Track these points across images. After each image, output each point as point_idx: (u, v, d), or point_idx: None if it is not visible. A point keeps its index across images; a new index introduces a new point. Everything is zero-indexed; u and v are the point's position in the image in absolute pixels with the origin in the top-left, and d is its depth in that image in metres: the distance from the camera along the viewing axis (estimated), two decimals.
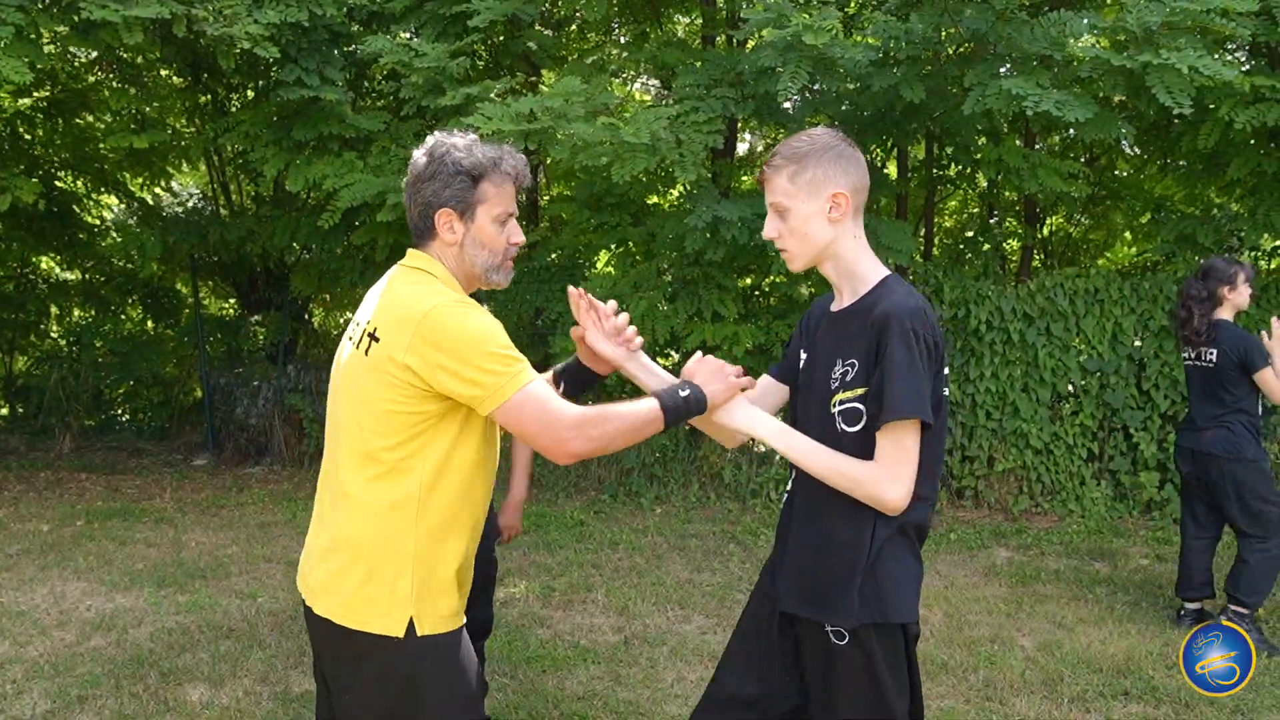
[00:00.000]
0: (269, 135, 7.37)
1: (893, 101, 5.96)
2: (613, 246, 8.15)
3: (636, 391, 2.29)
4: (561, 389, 2.29)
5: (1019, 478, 7.09)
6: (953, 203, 10.02)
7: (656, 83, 9.76)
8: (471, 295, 2.15)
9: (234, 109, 8.86)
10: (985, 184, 8.21)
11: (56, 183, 9.84)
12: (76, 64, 8.91)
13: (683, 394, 2.08)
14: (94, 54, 8.31)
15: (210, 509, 7.19)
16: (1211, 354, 4.69)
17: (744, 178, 9.75)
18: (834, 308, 2.18)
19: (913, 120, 6.51)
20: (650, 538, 6.38)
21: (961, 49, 5.80)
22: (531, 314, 8.29)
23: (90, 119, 9.44)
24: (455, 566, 2.07)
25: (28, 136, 9.33)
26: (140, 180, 10.36)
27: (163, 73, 9.09)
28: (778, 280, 7.65)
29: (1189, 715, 3.82)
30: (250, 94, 8.91)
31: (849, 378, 2.05)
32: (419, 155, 2.10)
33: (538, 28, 8.23)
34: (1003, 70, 5.55)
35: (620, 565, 5.78)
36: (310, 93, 6.76)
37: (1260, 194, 7.02)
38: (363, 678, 2.02)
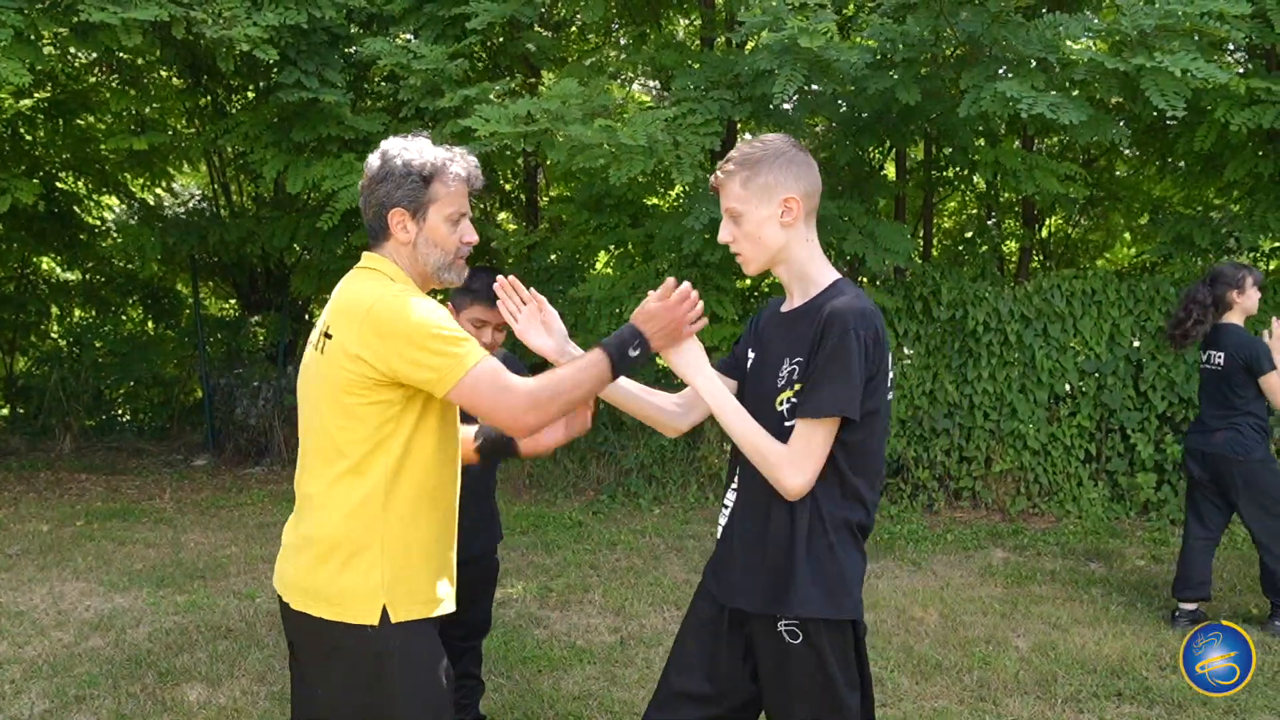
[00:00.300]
0: (268, 137, 7.39)
1: (889, 104, 5.98)
2: (611, 247, 8.17)
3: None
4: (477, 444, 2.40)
5: (1016, 478, 7.10)
6: (951, 204, 10.04)
7: (657, 84, 9.77)
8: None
9: (234, 110, 8.87)
10: (983, 186, 8.23)
11: (57, 183, 9.86)
12: (77, 65, 8.92)
13: (632, 352, 2.11)
14: (94, 55, 8.32)
15: (210, 509, 7.22)
16: (1219, 357, 4.73)
17: None
18: (784, 308, 2.24)
19: (910, 122, 6.53)
20: (648, 538, 6.40)
21: (958, 51, 5.81)
22: None
23: (91, 120, 9.45)
24: (427, 552, 2.12)
25: (29, 137, 9.34)
26: (141, 181, 10.38)
27: (163, 74, 9.11)
28: (775, 282, 7.66)
29: (1182, 716, 3.84)
30: (250, 95, 8.93)
31: (795, 376, 2.11)
32: (373, 158, 2.16)
33: (537, 29, 8.25)
34: (1000, 72, 5.56)
35: (618, 566, 5.80)
36: (309, 94, 6.78)
37: (1257, 195, 7.04)
38: (337, 669, 2.07)
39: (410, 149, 2.12)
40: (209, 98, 9.15)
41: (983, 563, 5.90)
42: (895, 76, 5.70)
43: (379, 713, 2.05)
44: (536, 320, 2.32)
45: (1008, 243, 9.32)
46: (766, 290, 8.15)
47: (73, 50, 8.07)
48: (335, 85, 6.99)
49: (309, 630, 2.08)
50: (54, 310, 10.93)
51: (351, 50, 7.47)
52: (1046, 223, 9.40)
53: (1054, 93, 5.43)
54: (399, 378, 2.00)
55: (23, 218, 9.21)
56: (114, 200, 10.84)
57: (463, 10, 6.50)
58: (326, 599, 2.05)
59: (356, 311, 2.02)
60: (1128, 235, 9.76)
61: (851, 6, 6.73)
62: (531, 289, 2.36)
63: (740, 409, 2.13)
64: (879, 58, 5.77)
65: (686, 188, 6.73)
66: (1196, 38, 5.28)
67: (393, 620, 2.03)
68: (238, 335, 10.33)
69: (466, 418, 2.35)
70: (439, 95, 6.36)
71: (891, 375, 2.17)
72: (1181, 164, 7.80)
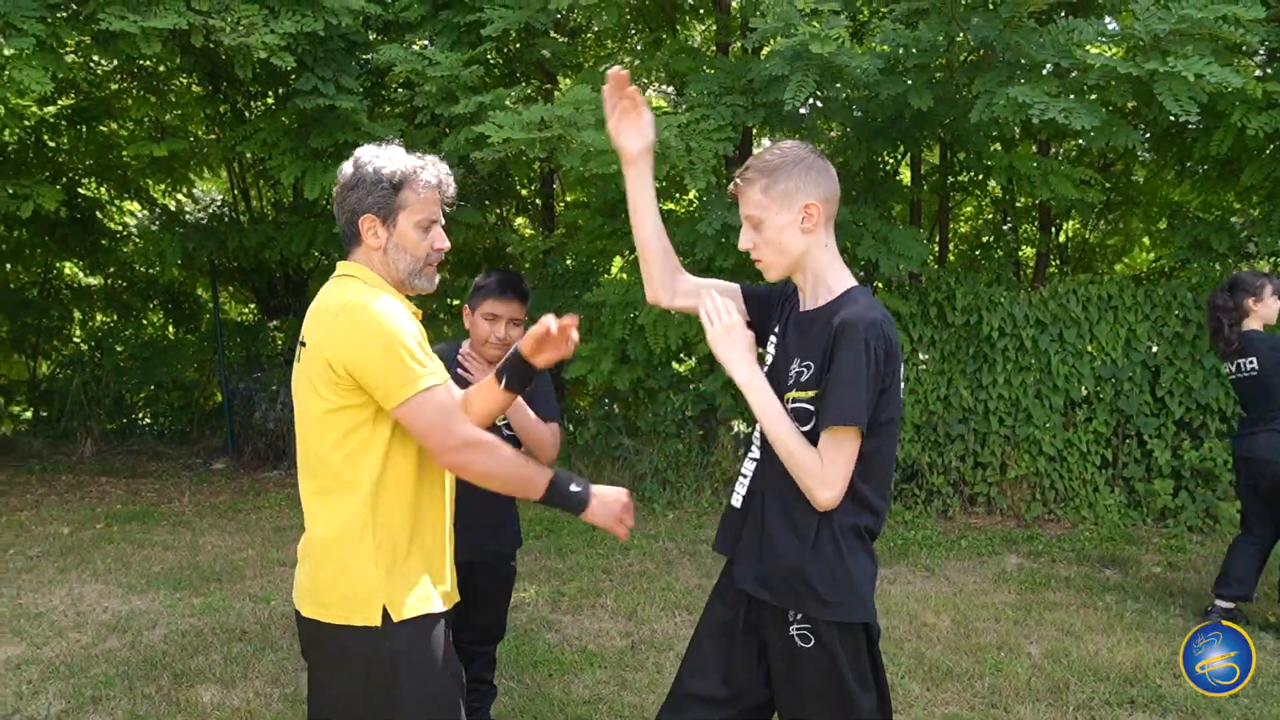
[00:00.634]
0: (286, 143, 7.46)
1: (901, 109, 5.97)
2: (626, 253, 8.19)
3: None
4: (503, 383, 2.34)
5: (1032, 484, 7.07)
6: (968, 209, 10.01)
7: (673, 89, 9.80)
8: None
9: (253, 117, 8.97)
10: (998, 191, 8.20)
11: (80, 190, 9.99)
12: (99, 73, 9.03)
13: (574, 488, 2.17)
14: (115, 63, 8.43)
15: (227, 512, 7.28)
16: (1251, 363, 4.72)
17: None
18: (801, 308, 2.25)
19: (923, 127, 6.52)
20: (661, 543, 6.41)
21: (971, 56, 5.80)
22: None
23: (114, 126, 9.58)
24: (421, 549, 2.15)
25: (52, 144, 9.47)
26: (162, 187, 10.51)
27: (183, 81, 9.21)
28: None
29: None
30: (269, 102, 9.02)
31: (804, 378, 2.13)
32: (346, 166, 2.19)
33: (552, 35, 8.29)
34: (1013, 77, 5.55)
35: (630, 570, 5.81)
36: (326, 101, 6.84)
37: (1276, 199, 6.98)
38: (346, 673, 2.09)
39: (382, 156, 2.15)
40: (228, 104, 9.25)
41: (996, 569, 5.87)
42: (907, 82, 5.69)
43: (390, 712, 2.08)
44: (631, 118, 2.27)
45: (1024, 248, 9.27)
46: None
47: (95, 58, 8.17)
48: (352, 92, 7.05)
49: (318, 636, 2.12)
50: (76, 315, 11.07)
51: (368, 57, 7.53)
52: (1064, 227, 9.36)
53: (1071, 96, 5.42)
54: (355, 378, 2.02)
55: (46, 223, 9.35)
56: (136, 206, 10.97)
57: (478, 17, 6.55)
58: (329, 604, 2.09)
59: (328, 314, 2.06)
60: (1146, 240, 9.69)
61: (866, 12, 6.72)
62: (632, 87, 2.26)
63: (782, 413, 2.12)
64: (891, 63, 5.76)
65: (700, 193, 6.74)
66: (1215, 42, 5.25)
67: (394, 619, 2.06)
68: (256, 340, 10.42)
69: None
70: (453, 101, 6.41)
71: (902, 384, 2.19)
72: (1205, 167, 7.74)
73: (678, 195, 8.19)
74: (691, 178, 5.84)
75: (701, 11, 8.68)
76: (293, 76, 7.13)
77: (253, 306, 11.64)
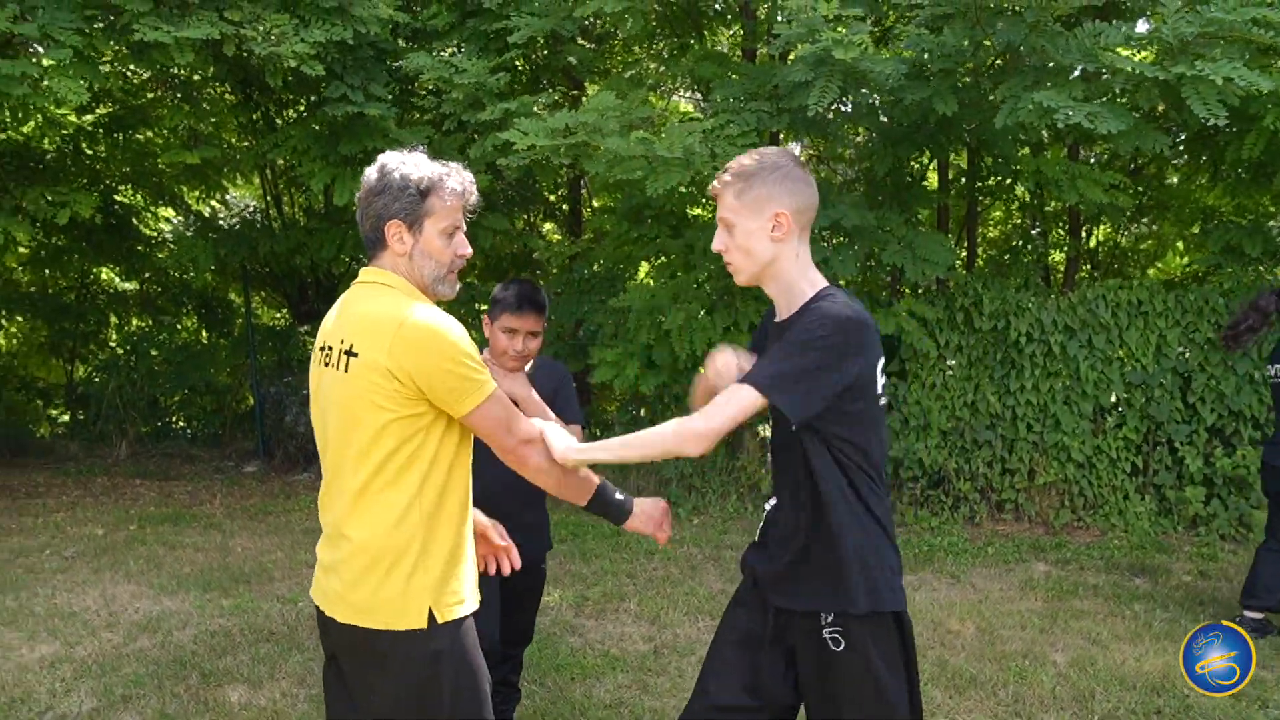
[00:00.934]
0: (317, 150, 7.56)
1: (926, 114, 5.95)
2: (652, 258, 8.21)
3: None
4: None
5: (1060, 491, 7.00)
6: (997, 213, 9.93)
7: (699, 95, 9.81)
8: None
9: (284, 124, 9.09)
10: (1026, 195, 8.13)
11: (117, 196, 10.18)
12: (134, 82, 9.20)
13: (619, 496, 2.36)
14: (150, 72, 8.58)
15: (258, 515, 7.38)
16: None
17: None
18: (777, 319, 2.27)
19: (948, 132, 6.49)
20: (686, 548, 6.42)
21: (998, 61, 5.78)
22: (573, 325, 8.37)
23: (150, 134, 9.75)
24: (461, 553, 2.19)
25: (89, 152, 9.65)
26: (196, 193, 10.67)
27: (216, 89, 9.36)
28: None
29: None
30: (301, 109, 9.15)
31: None
32: (370, 172, 2.21)
33: (580, 42, 8.34)
34: (1041, 80, 5.51)
35: (654, 575, 5.82)
36: (355, 108, 6.93)
37: None
38: (388, 676, 2.11)
39: (408, 163, 2.18)
40: (260, 112, 9.38)
41: (1023, 576, 5.83)
42: (932, 87, 5.67)
43: (434, 713, 2.11)
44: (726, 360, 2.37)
45: (1054, 253, 9.18)
46: None
47: (130, 68, 8.32)
48: (381, 99, 7.14)
49: (358, 642, 2.13)
50: (113, 319, 11.26)
51: (397, 65, 7.62)
52: (1095, 232, 9.26)
53: (1102, 99, 5.37)
54: (426, 392, 2.07)
55: (83, 230, 9.53)
56: (171, 212, 11.15)
57: (504, 24, 6.60)
58: (374, 609, 2.10)
59: (385, 328, 2.07)
60: (1180, 244, 9.57)
61: (892, 16, 6.71)
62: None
63: (624, 441, 2.19)
64: (915, 68, 5.74)
65: None
66: (1246, 45, 5.19)
67: (439, 621, 2.10)
68: (288, 344, 10.55)
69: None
70: (480, 108, 6.46)
71: (880, 373, 2.18)
72: (1237, 171, 7.64)
73: (705, 201, 8.20)
74: None
75: (729, 18, 8.69)
76: (322, 84, 7.23)
77: (284, 311, 11.78)
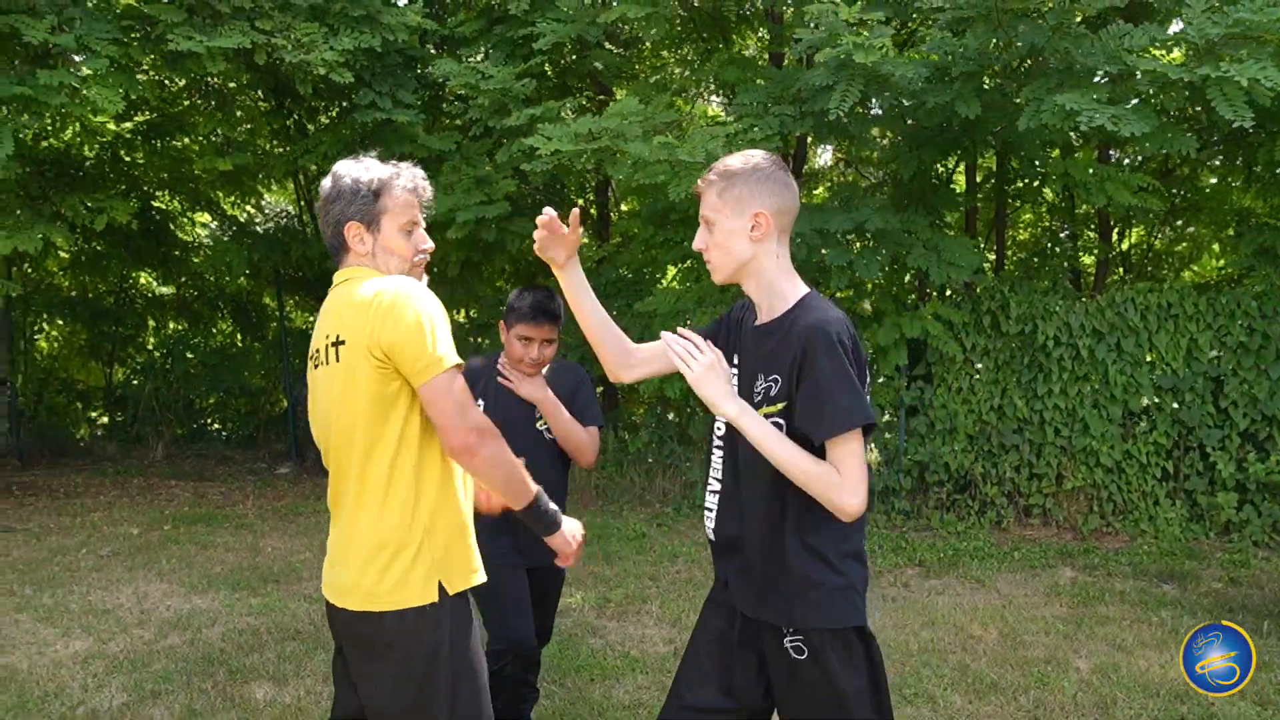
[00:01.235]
0: (346, 156, 7.65)
1: (949, 117, 5.93)
2: (678, 262, 8.24)
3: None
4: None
5: (1089, 496, 6.94)
6: (1026, 215, 9.85)
7: (726, 99, 9.83)
8: None
9: (315, 131, 9.22)
10: (1053, 197, 8.06)
11: (154, 202, 10.37)
12: (171, 90, 9.37)
13: (550, 508, 2.33)
14: (185, 81, 8.74)
15: (289, 516, 7.49)
16: None
17: (814, 191, 9.73)
18: (756, 322, 2.26)
19: (971, 135, 6.46)
20: (709, 551, 6.42)
21: (1023, 63, 5.74)
22: None
23: (185, 141, 9.93)
24: (462, 526, 2.24)
25: (127, 159, 9.85)
26: (231, 199, 10.85)
27: (249, 97, 9.51)
28: (839, 295, 7.64)
29: None
30: (333, 115, 9.27)
31: (772, 393, 2.13)
32: (325, 181, 2.30)
33: (607, 47, 8.39)
34: (1065, 83, 5.48)
35: (677, 577, 5.84)
36: (384, 115, 7.02)
37: None
38: (389, 665, 2.16)
39: (358, 168, 2.26)
40: (292, 119, 9.52)
41: (1049, 582, 5.78)
42: (954, 90, 5.65)
43: (433, 706, 2.15)
44: (557, 238, 2.41)
45: (1085, 255, 9.10)
46: None
47: (167, 76, 8.48)
48: (409, 106, 7.22)
49: (368, 627, 2.17)
50: (150, 323, 11.47)
51: (425, 71, 7.71)
52: (1128, 235, 9.16)
53: (1131, 102, 5.32)
54: (392, 359, 2.10)
55: (122, 235, 9.71)
56: (206, 217, 11.34)
57: (530, 31, 6.66)
58: (382, 593, 2.15)
59: (363, 306, 2.12)
60: (1216, 247, 9.44)
61: (916, 19, 6.69)
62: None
63: (781, 436, 2.10)
64: (937, 71, 5.73)
65: None
66: (1277, 45, 5.13)
67: (450, 592, 2.16)
68: None
69: None
70: (506, 114, 6.53)
71: (869, 383, 2.19)
72: (1271, 173, 7.54)
73: None
74: None
75: (755, 22, 8.70)
76: (352, 92, 7.34)
77: (316, 315, 11.91)
